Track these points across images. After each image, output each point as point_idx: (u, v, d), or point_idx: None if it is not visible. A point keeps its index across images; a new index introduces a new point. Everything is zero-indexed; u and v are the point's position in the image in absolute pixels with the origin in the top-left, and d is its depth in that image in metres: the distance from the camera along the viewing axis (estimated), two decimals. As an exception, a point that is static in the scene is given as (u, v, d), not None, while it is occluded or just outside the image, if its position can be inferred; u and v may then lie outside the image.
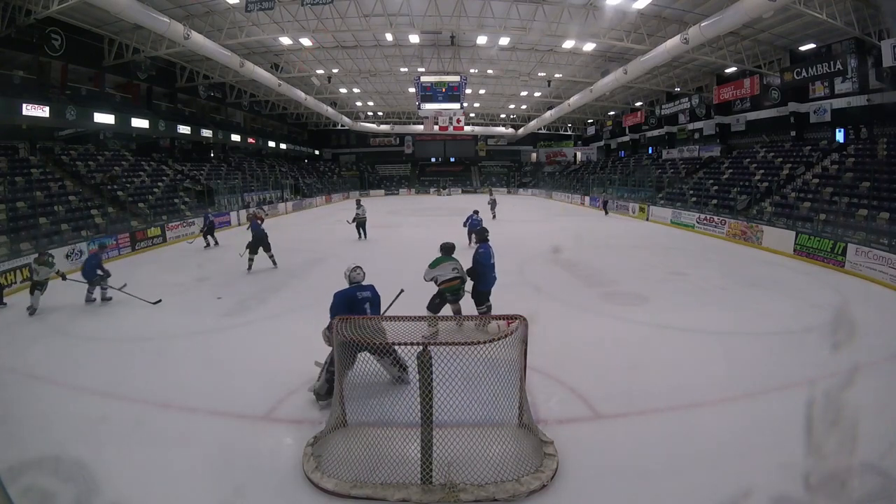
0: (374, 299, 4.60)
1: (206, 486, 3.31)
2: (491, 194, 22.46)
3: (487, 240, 6.53)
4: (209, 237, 14.02)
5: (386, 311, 4.76)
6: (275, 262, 10.63)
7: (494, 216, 19.39)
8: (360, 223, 14.85)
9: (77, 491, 3.24)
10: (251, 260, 10.33)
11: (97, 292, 8.15)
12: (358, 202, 15.49)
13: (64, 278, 8.09)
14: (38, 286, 7.61)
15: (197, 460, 3.60)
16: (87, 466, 3.40)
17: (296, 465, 3.47)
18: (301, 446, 3.63)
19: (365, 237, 14.82)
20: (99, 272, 8.07)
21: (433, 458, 3.20)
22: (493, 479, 3.20)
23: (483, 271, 6.01)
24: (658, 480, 3.32)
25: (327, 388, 4.26)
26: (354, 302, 4.47)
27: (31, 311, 7.55)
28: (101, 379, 4.99)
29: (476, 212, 13.67)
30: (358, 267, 4.78)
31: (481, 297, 6.05)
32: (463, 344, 3.78)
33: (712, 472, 3.39)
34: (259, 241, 10.38)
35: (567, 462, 3.46)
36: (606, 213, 23.53)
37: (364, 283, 4.69)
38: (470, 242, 12.31)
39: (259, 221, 10.94)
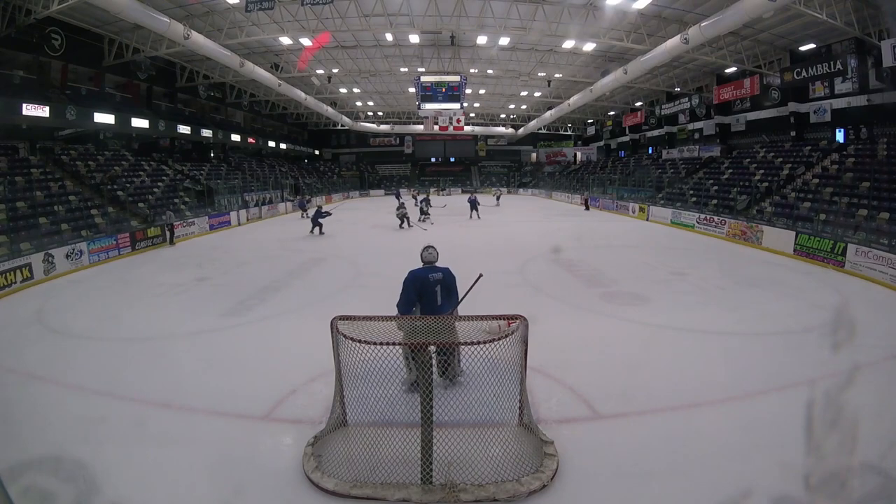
0: (448, 282, 4.42)
1: (206, 486, 3.31)
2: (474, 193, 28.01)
3: None
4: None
5: (464, 297, 4.45)
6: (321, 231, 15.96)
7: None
8: (403, 216, 17.58)
9: (77, 491, 3.24)
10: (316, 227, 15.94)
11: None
12: (398, 195, 18.54)
13: None
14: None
15: (197, 460, 3.60)
16: (87, 466, 3.40)
17: (296, 465, 3.46)
18: (301, 446, 3.62)
19: (409, 225, 17.44)
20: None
21: (433, 457, 3.19)
22: (493, 479, 3.19)
23: None
24: (658, 480, 3.32)
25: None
26: (426, 283, 4.33)
27: None
28: (101, 379, 4.98)
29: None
30: (431, 247, 4.62)
31: None
32: (463, 344, 3.79)
33: (712, 472, 3.39)
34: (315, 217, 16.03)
35: (567, 462, 3.46)
36: (588, 208, 25.83)
37: (438, 264, 4.55)
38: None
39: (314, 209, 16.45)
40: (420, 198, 22.96)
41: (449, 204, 25.59)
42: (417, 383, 4.22)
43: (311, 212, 17.94)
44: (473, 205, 21.08)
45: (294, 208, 26.42)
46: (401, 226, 17.38)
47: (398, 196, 28.56)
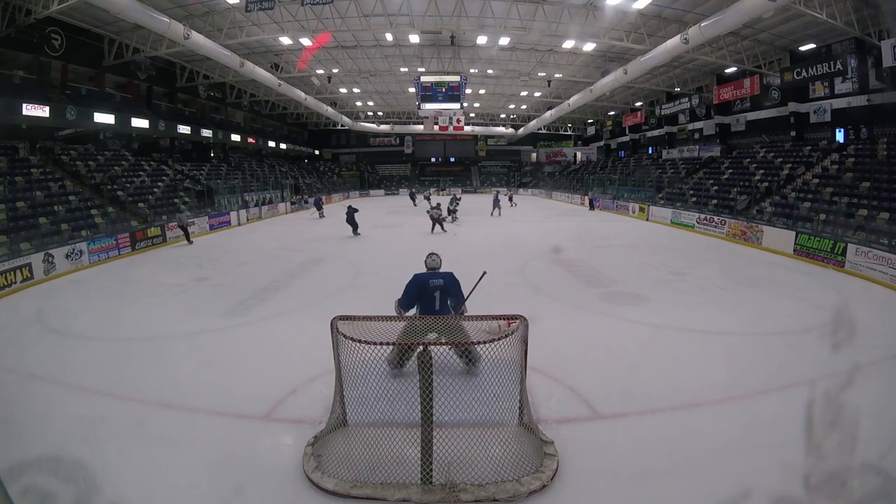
0: (449, 287, 4.60)
1: (206, 486, 3.31)
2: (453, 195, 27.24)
3: None
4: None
5: (470, 294, 4.76)
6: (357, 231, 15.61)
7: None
8: (436, 218, 16.41)
9: (77, 491, 3.24)
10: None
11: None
12: (427, 197, 18.82)
13: None
14: None
15: (197, 460, 3.60)
16: (87, 466, 3.40)
17: (296, 465, 3.46)
18: (301, 446, 3.62)
19: (443, 229, 16.44)
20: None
21: (433, 457, 3.20)
22: (493, 479, 3.19)
23: None
24: (658, 480, 3.32)
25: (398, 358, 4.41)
26: (425, 288, 4.56)
27: None
28: (101, 379, 4.98)
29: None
30: (434, 254, 4.84)
31: None
32: (463, 344, 3.79)
33: (712, 472, 3.39)
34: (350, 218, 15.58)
35: (567, 462, 3.46)
36: (592, 208, 26.19)
37: (441, 269, 4.75)
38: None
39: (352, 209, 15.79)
40: (447, 197, 23.49)
41: (471, 204, 26.31)
42: (393, 361, 4.48)
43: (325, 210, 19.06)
44: (496, 203, 22.65)
45: (295, 208, 26.47)
46: (433, 229, 16.24)
47: (413, 196, 28.89)
